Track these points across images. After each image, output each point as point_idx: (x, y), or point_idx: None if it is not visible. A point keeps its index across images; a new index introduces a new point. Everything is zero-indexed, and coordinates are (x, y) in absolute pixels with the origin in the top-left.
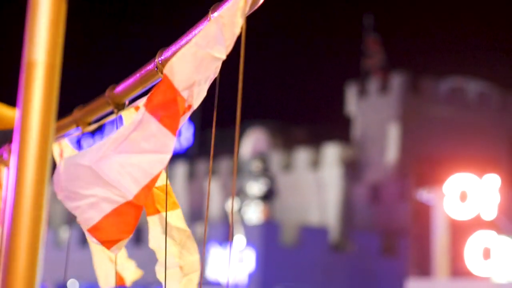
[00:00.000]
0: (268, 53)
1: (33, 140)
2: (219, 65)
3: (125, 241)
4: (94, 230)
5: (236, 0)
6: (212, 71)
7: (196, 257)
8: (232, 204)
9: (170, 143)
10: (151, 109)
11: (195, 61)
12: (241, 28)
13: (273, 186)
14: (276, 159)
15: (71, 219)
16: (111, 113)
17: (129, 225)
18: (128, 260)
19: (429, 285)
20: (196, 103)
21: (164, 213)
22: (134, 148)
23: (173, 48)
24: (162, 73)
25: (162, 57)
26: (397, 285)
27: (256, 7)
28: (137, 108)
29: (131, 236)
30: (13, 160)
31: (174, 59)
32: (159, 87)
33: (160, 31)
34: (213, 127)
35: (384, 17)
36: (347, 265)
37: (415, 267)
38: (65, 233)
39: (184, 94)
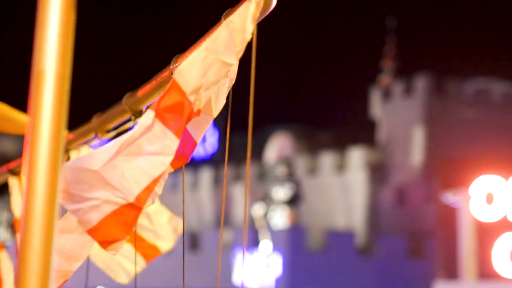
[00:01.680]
0: (292, 58)
1: (44, 148)
2: (234, 70)
3: (122, 242)
4: (93, 231)
5: (247, 6)
6: (222, 76)
7: None
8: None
9: (173, 145)
10: (158, 112)
11: (203, 66)
12: (252, 34)
13: (299, 190)
14: (301, 163)
15: None
16: (129, 120)
17: (128, 226)
18: (164, 227)
19: (457, 287)
20: (215, 111)
21: None
22: (138, 151)
23: (187, 54)
24: None
25: (177, 64)
26: (425, 287)
27: (267, 13)
28: None
29: (127, 237)
30: (24, 169)
31: (183, 63)
32: (168, 91)
33: (175, 38)
34: (227, 134)
35: (408, 19)
36: (374, 268)
37: (442, 269)
38: None
39: (191, 98)
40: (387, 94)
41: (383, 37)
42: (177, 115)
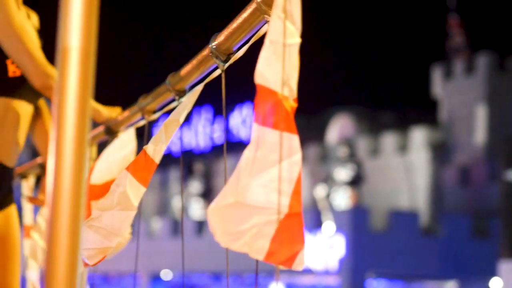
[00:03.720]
0: (353, 39)
1: (70, 125)
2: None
3: (303, 252)
4: (269, 256)
5: None
6: (296, 58)
7: None
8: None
9: (294, 142)
10: (262, 121)
11: (278, 58)
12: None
13: (361, 171)
14: (363, 144)
15: (162, 210)
16: (173, 100)
17: (299, 235)
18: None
19: None
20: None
21: None
22: (266, 164)
23: (225, 32)
24: (216, 58)
25: (216, 42)
26: (490, 267)
27: None
28: (196, 93)
29: (304, 246)
30: (51, 147)
31: (259, 66)
32: (259, 98)
33: (211, 19)
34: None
35: None
36: (438, 248)
37: (507, 248)
38: (156, 224)
39: (284, 91)
40: (448, 73)
41: (444, 16)
42: (282, 114)
